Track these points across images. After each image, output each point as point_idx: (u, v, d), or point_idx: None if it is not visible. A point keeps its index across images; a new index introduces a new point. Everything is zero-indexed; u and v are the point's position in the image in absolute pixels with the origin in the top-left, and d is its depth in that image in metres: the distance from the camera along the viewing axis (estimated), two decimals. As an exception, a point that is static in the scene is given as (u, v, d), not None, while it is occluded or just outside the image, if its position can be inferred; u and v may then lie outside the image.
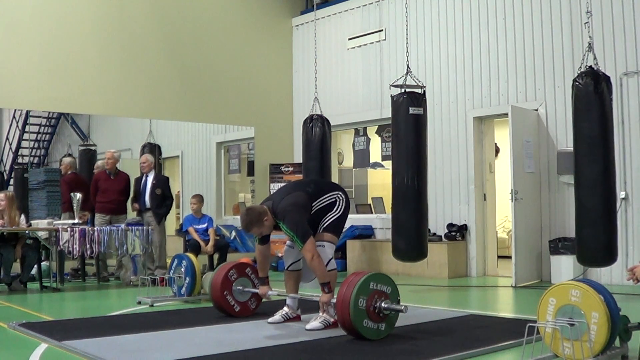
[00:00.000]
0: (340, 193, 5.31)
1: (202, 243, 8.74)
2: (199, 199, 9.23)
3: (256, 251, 5.35)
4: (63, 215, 9.28)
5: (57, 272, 8.09)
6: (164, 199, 9.08)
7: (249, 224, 5.02)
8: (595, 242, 6.63)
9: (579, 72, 6.79)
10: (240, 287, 5.67)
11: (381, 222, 10.40)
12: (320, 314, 5.02)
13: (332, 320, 4.98)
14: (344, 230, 10.16)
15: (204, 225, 9.00)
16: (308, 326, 4.97)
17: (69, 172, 9.40)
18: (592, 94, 6.59)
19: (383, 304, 4.53)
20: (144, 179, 9.10)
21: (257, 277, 5.66)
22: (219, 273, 5.69)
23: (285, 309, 5.34)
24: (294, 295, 5.34)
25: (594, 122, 6.61)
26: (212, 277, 5.78)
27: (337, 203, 5.24)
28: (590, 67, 6.70)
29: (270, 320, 5.29)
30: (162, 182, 9.18)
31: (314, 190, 5.24)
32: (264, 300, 5.70)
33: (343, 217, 5.27)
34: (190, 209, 9.19)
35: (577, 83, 6.73)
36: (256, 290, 5.59)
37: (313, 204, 5.15)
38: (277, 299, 5.64)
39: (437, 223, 9.41)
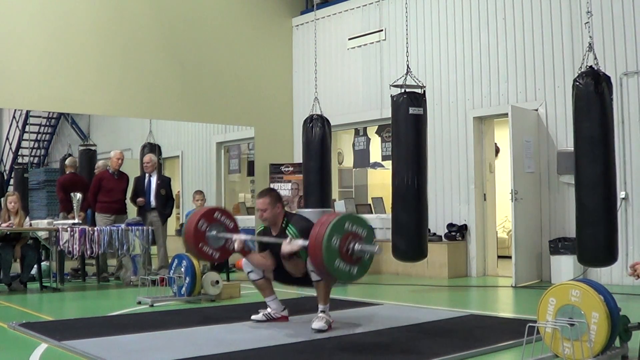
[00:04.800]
0: None
1: None
2: (203, 195, 9.17)
3: (257, 255, 5.33)
4: (60, 215, 9.28)
5: (57, 272, 8.09)
6: (167, 200, 9.09)
7: (267, 194, 5.10)
8: (595, 242, 6.63)
9: (579, 72, 6.79)
10: (214, 233, 5.39)
11: (381, 222, 10.39)
12: (319, 313, 5.04)
13: (332, 320, 5.01)
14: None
15: None
16: (314, 325, 4.95)
17: (67, 172, 9.40)
18: (593, 94, 6.58)
19: (356, 246, 4.38)
20: (147, 178, 9.10)
21: (227, 217, 5.46)
22: (188, 227, 5.38)
23: (268, 309, 5.37)
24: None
25: (595, 122, 6.61)
26: (184, 232, 5.46)
27: None
28: (591, 67, 6.70)
29: (253, 317, 5.33)
30: (166, 183, 9.20)
31: None
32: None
33: None
34: (195, 206, 9.01)
35: (577, 83, 6.73)
36: (230, 235, 5.34)
37: None
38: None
39: (437, 223, 9.41)
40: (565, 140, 8.21)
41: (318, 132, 9.05)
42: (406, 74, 8.00)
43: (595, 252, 6.68)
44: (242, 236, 5.22)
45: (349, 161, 12.10)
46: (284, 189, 11.08)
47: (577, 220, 6.77)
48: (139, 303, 6.65)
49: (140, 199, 9.01)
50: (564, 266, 7.86)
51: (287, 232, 5.03)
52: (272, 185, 11.12)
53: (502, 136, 9.88)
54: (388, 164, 10.50)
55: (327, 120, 9.22)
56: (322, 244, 4.27)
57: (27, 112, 10.51)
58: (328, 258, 4.30)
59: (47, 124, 11.10)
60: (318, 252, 4.31)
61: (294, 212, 5.33)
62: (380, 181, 12.11)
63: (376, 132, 11.17)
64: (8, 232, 7.78)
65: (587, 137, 6.63)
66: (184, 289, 6.75)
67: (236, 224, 5.52)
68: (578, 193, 6.75)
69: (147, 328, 5.12)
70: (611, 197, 6.66)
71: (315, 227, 4.43)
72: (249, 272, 5.29)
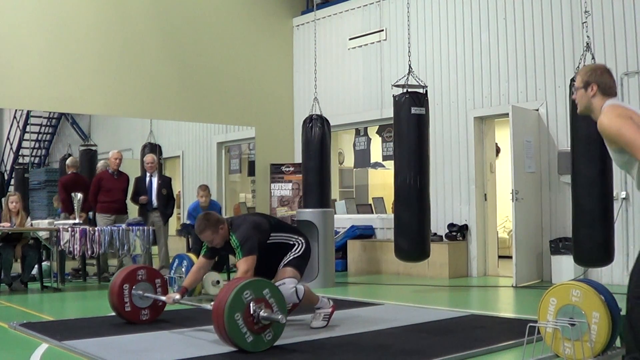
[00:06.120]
0: (302, 239, 5.17)
1: None
2: (208, 191, 9.02)
3: (197, 262, 5.24)
4: (61, 215, 9.28)
5: (57, 272, 8.10)
6: (168, 200, 9.09)
7: (205, 227, 4.85)
8: (591, 242, 6.62)
9: (576, 71, 6.78)
10: (141, 292, 5.42)
11: (382, 222, 10.40)
12: (315, 312, 5.06)
13: (329, 310, 5.07)
14: (345, 230, 10.28)
15: None
16: (313, 324, 5.01)
17: (69, 172, 9.40)
18: (589, 93, 6.56)
19: (262, 313, 4.15)
20: (148, 179, 9.12)
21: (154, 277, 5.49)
22: (113, 285, 5.44)
23: None
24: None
25: (591, 121, 6.54)
26: (109, 289, 5.50)
27: (297, 246, 5.11)
28: (588, 66, 6.69)
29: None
30: (167, 183, 9.21)
31: (276, 223, 5.20)
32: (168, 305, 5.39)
33: (304, 258, 5.13)
34: (199, 202, 8.91)
35: (574, 82, 6.70)
36: (156, 297, 5.41)
37: (272, 234, 5.03)
38: (182, 307, 5.59)
39: (437, 223, 9.40)
40: (566, 140, 8.19)
41: (317, 132, 9.05)
42: (408, 73, 8.00)
43: (591, 252, 6.67)
44: (176, 296, 5.11)
45: (349, 161, 12.10)
46: (285, 189, 11.08)
47: (574, 220, 6.77)
48: (140, 303, 6.64)
49: (143, 197, 9.02)
50: (565, 266, 7.86)
51: (231, 243, 4.89)
52: (272, 185, 11.13)
53: (503, 136, 9.88)
54: (389, 163, 10.51)
55: (327, 120, 9.22)
56: (224, 309, 4.09)
57: (28, 112, 10.51)
58: (229, 323, 4.09)
59: (48, 124, 11.10)
60: (220, 317, 4.13)
61: (233, 216, 5.26)
62: (381, 181, 12.11)
63: (377, 132, 11.17)
64: (9, 232, 7.79)
65: (583, 136, 6.61)
66: (184, 289, 6.74)
67: (164, 284, 5.57)
68: (575, 193, 6.74)
69: (147, 328, 5.13)
70: (608, 197, 6.65)
71: (221, 292, 4.28)
72: None
